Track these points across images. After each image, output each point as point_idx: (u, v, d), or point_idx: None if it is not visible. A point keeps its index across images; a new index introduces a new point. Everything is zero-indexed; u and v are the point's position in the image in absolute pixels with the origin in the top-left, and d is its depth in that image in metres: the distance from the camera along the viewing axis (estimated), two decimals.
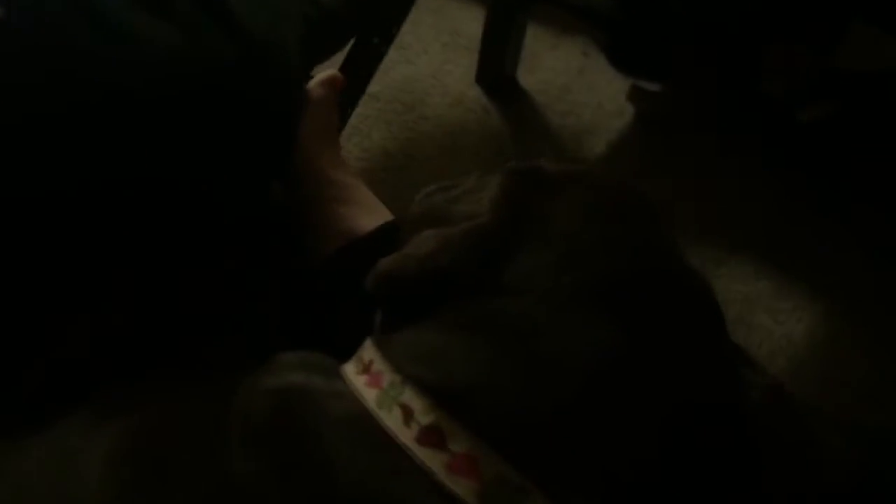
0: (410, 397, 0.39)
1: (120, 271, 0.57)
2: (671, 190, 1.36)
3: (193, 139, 0.58)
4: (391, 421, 0.39)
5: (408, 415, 0.38)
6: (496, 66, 1.45)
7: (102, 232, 0.55)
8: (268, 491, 0.37)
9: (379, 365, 0.42)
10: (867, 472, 0.51)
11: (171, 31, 0.56)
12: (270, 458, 0.38)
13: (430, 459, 0.37)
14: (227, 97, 0.59)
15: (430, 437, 0.38)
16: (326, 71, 0.74)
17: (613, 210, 0.48)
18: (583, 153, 1.42)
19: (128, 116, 0.54)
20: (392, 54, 1.18)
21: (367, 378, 0.42)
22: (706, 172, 1.39)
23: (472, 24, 1.48)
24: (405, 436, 0.38)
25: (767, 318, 1.23)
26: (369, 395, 0.41)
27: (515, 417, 0.38)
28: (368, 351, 0.44)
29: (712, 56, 1.37)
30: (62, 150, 0.53)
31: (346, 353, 0.46)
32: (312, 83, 0.69)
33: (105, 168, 0.55)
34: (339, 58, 0.99)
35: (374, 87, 1.28)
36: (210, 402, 0.43)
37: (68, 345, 0.54)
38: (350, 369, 0.44)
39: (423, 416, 0.38)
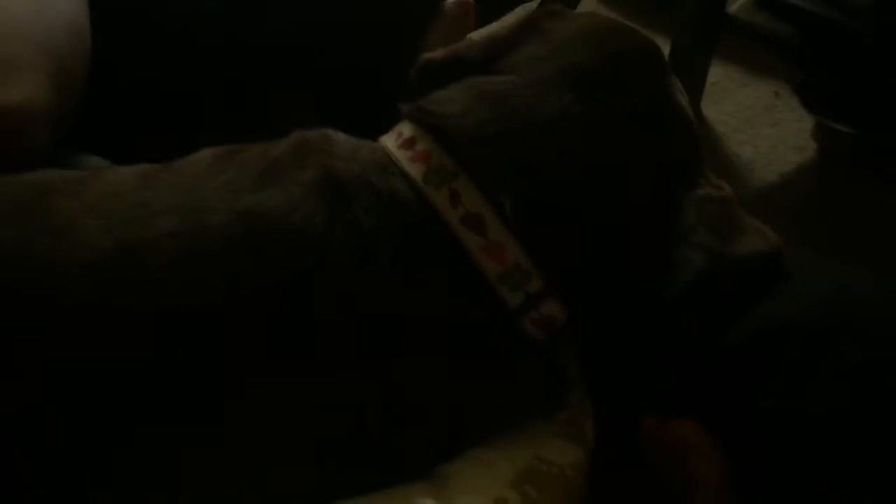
0: (405, 126, 0.54)
1: None
2: (842, 227, 1.34)
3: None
4: (388, 141, 0.54)
5: (399, 134, 0.53)
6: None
7: None
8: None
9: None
10: (829, 309, 0.53)
11: None
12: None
13: (396, 152, 0.53)
14: None
15: (408, 143, 0.53)
16: None
17: (608, 34, 0.58)
18: (753, 181, 1.44)
19: None
20: None
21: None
22: (881, 213, 1.36)
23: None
24: (390, 142, 0.54)
25: None
26: None
27: (466, 132, 0.52)
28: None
29: None
30: None
31: None
32: (448, 1, 0.80)
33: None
34: None
35: None
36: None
37: None
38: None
39: (405, 129, 0.54)
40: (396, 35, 0.78)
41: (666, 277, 0.53)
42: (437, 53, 0.60)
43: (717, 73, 1.59)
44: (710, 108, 1.55)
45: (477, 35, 0.64)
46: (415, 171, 0.52)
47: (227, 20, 0.76)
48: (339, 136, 0.56)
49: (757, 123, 1.52)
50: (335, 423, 0.50)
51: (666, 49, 1.50)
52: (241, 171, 0.53)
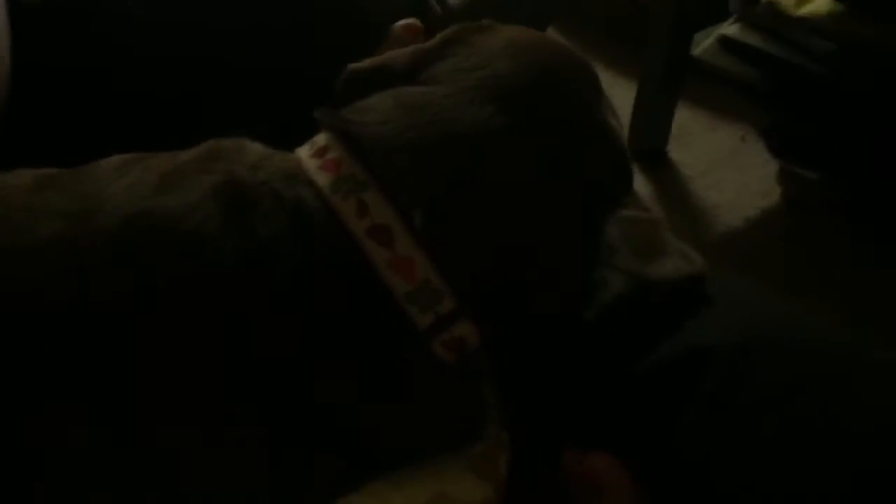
0: (322, 135, 0.51)
1: None
2: (804, 273, 1.33)
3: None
4: (303, 150, 0.51)
5: (313, 143, 0.51)
6: (644, 137, 1.52)
7: None
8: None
9: None
10: (750, 335, 0.50)
11: None
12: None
13: (308, 161, 0.49)
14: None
15: (320, 152, 0.50)
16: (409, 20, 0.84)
17: (535, 47, 0.55)
18: (717, 226, 1.42)
19: None
20: None
21: None
22: (843, 260, 1.34)
23: (628, 95, 1.57)
24: (304, 151, 0.50)
25: None
26: None
27: (378, 141, 0.49)
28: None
29: (871, 148, 1.35)
30: None
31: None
32: (396, 25, 0.80)
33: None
34: None
35: None
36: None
37: None
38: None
39: (321, 138, 0.51)
40: (344, 57, 0.76)
41: (583, 299, 0.50)
42: (363, 63, 0.58)
43: (685, 117, 1.59)
44: (676, 152, 1.54)
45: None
46: (323, 179, 0.48)
47: (158, 25, 0.74)
48: (255, 146, 0.53)
49: (722, 168, 1.51)
50: (224, 452, 0.46)
51: (632, 91, 1.49)
52: (143, 175, 0.50)
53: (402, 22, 0.83)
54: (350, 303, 0.47)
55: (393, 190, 0.48)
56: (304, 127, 0.60)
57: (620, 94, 1.62)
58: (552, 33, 1.71)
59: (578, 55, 0.58)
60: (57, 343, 0.44)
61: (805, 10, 1.32)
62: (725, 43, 1.40)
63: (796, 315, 0.53)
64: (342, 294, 0.47)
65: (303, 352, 0.46)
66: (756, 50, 1.38)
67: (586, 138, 0.53)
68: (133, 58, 0.75)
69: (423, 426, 0.51)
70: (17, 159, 0.61)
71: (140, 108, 0.75)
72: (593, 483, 0.48)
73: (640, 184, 1.47)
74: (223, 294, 0.46)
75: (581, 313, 0.50)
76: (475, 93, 0.51)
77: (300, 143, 0.54)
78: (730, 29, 1.41)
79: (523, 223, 0.50)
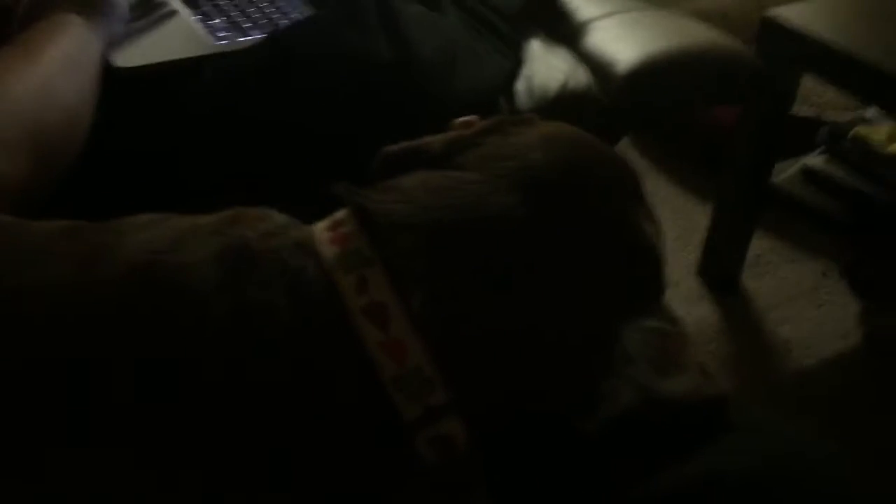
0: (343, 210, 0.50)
1: None
2: (875, 425, 1.23)
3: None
4: (321, 223, 0.50)
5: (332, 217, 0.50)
6: (719, 263, 1.46)
7: None
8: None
9: None
10: (767, 469, 0.44)
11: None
12: None
13: (321, 234, 0.48)
14: (381, 89, 0.77)
15: (335, 225, 0.49)
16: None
17: (574, 144, 0.53)
18: (788, 364, 1.34)
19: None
20: None
21: None
22: None
23: (703, 219, 1.53)
24: (321, 226, 0.49)
25: None
26: None
27: (390, 217, 0.47)
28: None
29: None
30: None
31: None
32: (457, 121, 0.81)
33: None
34: None
35: None
36: None
37: None
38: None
39: (341, 212, 0.50)
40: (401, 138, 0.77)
41: (589, 409, 0.46)
42: (398, 146, 0.57)
43: (764, 247, 1.53)
44: (750, 281, 1.48)
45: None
46: (329, 252, 0.47)
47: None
48: (278, 216, 0.53)
49: (799, 302, 1.44)
50: None
51: (707, 215, 1.46)
52: (163, 231, 0.50)
53: (463, 119, 0.83)
54: (331, 381, 0.45)
55: (396, 268, 0.46)
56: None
57: (696, 218, 1.58)
58: (626, 148, 1.70)
59: (620, 157, 0.56)
60: (42, 382, 0.44)
61: (895, 147, 1.27)
62: (809, 174, 1.36)
63: (817, 456, 0.48)
64: (324, 370, 0.45)
65: (269, 423, 0.44)
66: (840, 183, 1.33)
67: (614, 240, 0.50)
68: (208, 128, 0.78)
69: None
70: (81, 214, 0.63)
71: (202, 176, 0.77)
72: None
73: (708, 311, 1.41)
74: (206, 347, 0.44)
75: (586, 424, 0.46)
76: (503, 181, 0.50)
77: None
78: (814, 160, 1.37)
79: (530, 320, 0.47)
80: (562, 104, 1.05)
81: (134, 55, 0.79)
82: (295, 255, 0.48)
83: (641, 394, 0.45)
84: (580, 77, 1.08)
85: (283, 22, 0.96)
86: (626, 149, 1.71)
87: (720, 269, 1.46)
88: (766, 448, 0.47)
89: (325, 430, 0.44)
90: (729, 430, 0.48)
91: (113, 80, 0.74)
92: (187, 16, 0.92)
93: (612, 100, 1.09)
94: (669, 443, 0.47)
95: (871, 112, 1.40)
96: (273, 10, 0.98)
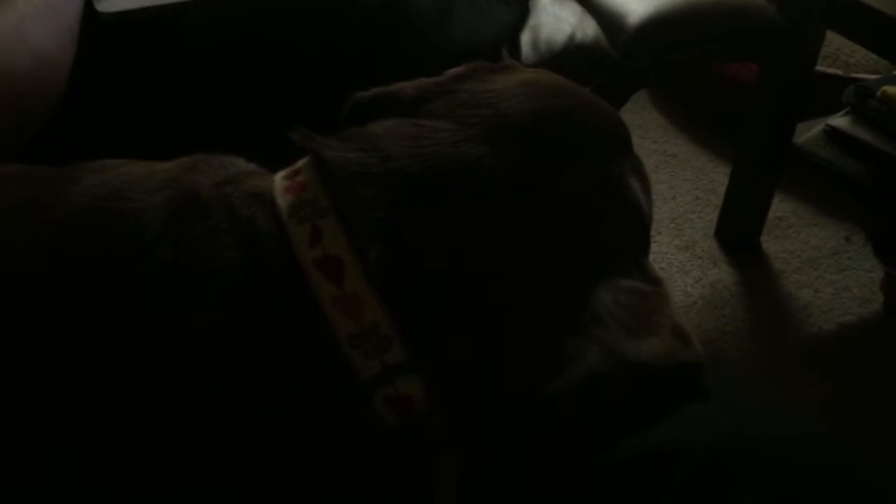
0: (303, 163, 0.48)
1: None
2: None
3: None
4: (281, 172, 0.48)
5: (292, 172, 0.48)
6: (737, 225, 1.42)
7: None
8: None
9: None
10: (734, 441, 0.42)
11: None
12: None
13: (279, 182, 0.47)
14: (369, 36, 0.75)
15: (292, 174, 0.47)
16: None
17: (555, 92, 0.50)
18: (806, 328, 1.30)
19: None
20: None
21: None
22: None
23: (723, 179, 1.49)
24: (280, 174, 0.47)
25: None
26: None
27: (348, 166, 0.45)
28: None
29: None
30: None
31: None
32: (450, 71, 0.79)
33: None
34: None
35: None
36: None
37: None
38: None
39: (302, 161, 0.48)
40: None
41: (552, 371, 0.44)
42: (368, 92, 0.55)
43: (786, 209, 1.49)
44: (770, 245, 1.44)
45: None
46: (284, 202, 0.45)
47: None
48: (243, 164, 0.51)
49: (821, 266, 1.40)
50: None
51: (727, 174, 1.41)
52: (113, 178, 0.48)
53: (457, 69, 0.80)
54: (281, 339, 0.43)
55: (352, 219, 0.44)
56: None
57: (716, 178, 1.54)
58: (645, 106, 1.66)
59: (607, 107, 0.53)
60: None
61: None
62: (833, 134, 1.30)
63: (790, 424, 0.45)
64: (274, 327, 0.43)
65: (210, 383, 0.43)
66: (866, 144, 1.27)
67: (591, 193, 0.48)
68: (193, 75, 0.76)
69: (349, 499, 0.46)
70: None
71: (196, 119, 0.76)
72: None
73: (726, 274, 1.38)
74: (136, 304, 0.43)
75: (548, 385, 0.44)
76: (473, 130, 0.47)
77: None
78: (839, 120, 1.31)
79: (498, 274, 0.45)
80: (568, 57, 1.02)
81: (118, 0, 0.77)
82: (248, 204, 0.46)
83: (608, 356, 0.43)
84: (588, 29, 1.05)
85: None
86: (645, 107, 1.67)
87: (739, 232, 1.42)
88: (737, 419, 0.45)
89: (277, 395, 0.42)
90: (700, 398, 0.45)
91: (95, 28, 0.73)
92: None
93: (621, 53, 1.05)
94: (636, 408, 0.45)
95: None
96: None
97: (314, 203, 0.45)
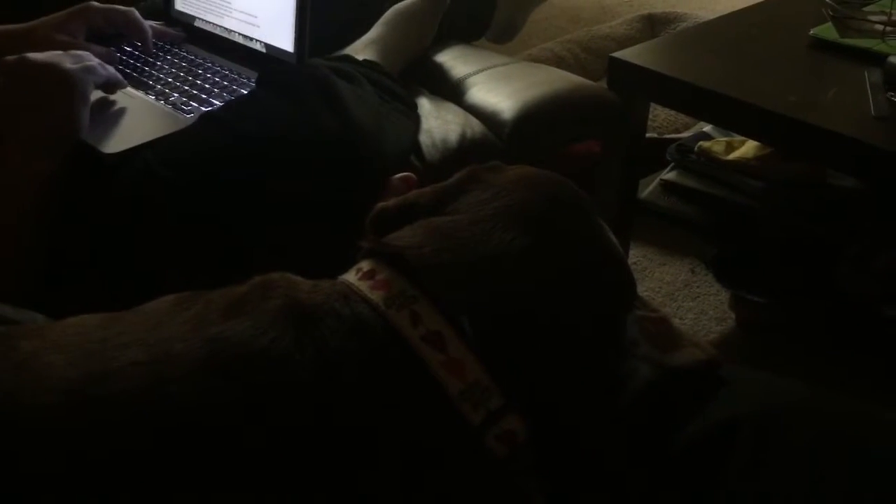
0: (364, 262, 0.58)
1: None
2: None
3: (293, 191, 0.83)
4: (348, 276, 0.58)
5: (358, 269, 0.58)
6: None
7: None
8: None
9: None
10: (768, 405, 0.57)
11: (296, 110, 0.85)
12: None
13: (358, 283, 0.57)
14: (326, 162, 0.85)
15: (368, 274, 0.57)
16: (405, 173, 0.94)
17: (541, 181, 0.64)
18: None
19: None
20: None
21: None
22: (797, 373, 1.43)
23: None
24: (350, 276, 0.57)
25: None
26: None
27: (423, 260, 0.56)
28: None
29: (799, 269, 1.48)
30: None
31: None
32: (394, 177, 0.88)
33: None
34: None
35: None
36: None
37: None
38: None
39: (364, 264, 0.59)
40: (348, 211, 0.85)
41: (617, 388, 0.57)
42: (390, 202, 0.66)
43: (637, 255, 1.71)
44: None
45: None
46: (376, 297, 0.56)
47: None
48: (298, 278, 0.60)
49: (678, 297, 1.62)
50: None
51: None
52: (207, 307, 0.56)
53: (400, 175, 0.93)
54: (410, 399, 0.53)
55: (441, 301, 0.55)
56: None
57: None
58: None
59: (573, 186, 0.68)
60: (154, 447, 0.49)
61: (733, 155, 1.49)
62: (667, 186, 1.55)
63: (799, 389, 0.61)
64: (403, 392, 0.53)
65: (370, 447, 0.52)
66: (694, 190, 1.52)
67: (596, 251, 0.62)
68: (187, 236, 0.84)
69: None
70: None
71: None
72: None
73: None
74: (303, 398, 0.51)
75: (613, 401, 0.57)
76: (497, 220, 0.60)
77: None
78: (670, 174, 1.57)
79: (553, 326, 0.57)
80: (465, 151, 1.18)
81: (118, 141, 0.84)
82: (345, 305, 0.56)
83: (655, 368, 0.57)
84: (475, 126, 1.22)
85: (240, 86, 1.02)
86: None
87: None
88: (758, 391, 0.60)
89: (412, 448, 0.52)
90: (723, 385, 0.60)
91: (103, 169, 0.79)
92: (147, 98, 0.97)
93: (506, 142, 1.23)
94: (684, 404, 0.59)
95: (708, 127, 1.62)
96: (219, 78, 1.04)
97: (404, 293, 0.56)
